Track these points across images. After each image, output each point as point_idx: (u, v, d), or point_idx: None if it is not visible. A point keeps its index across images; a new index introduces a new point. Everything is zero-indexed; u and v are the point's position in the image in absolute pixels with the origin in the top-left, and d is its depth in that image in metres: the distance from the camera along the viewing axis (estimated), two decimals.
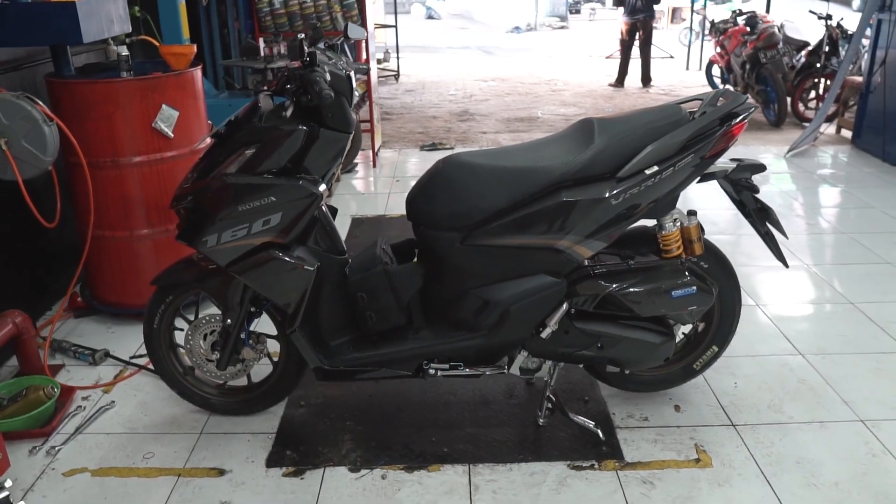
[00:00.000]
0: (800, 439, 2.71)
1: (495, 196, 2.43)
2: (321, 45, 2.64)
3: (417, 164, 6.67)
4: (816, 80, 8.03)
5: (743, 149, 6.74)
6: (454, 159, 2.50)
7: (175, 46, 3.63)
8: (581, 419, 2.69)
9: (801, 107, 8.16)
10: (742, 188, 2.65)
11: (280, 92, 2.42)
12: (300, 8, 5.99)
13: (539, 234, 2.44)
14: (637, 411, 2.88)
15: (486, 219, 2.44)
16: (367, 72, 2.90)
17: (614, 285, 2.51)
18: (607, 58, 14.12)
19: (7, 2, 3.16)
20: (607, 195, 2.40)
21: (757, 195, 2.67)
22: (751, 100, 2.57)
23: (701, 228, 2.63)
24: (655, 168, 2.42)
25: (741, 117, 2.50)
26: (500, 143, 7.08)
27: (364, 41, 6.13)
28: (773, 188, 5.78)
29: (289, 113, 2.33)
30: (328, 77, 2.29)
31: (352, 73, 2.49)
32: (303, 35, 2.52)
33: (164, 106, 3.33)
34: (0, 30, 3.12)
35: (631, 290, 2.51)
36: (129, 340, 3.50)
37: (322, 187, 2.41)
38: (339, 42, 2.72)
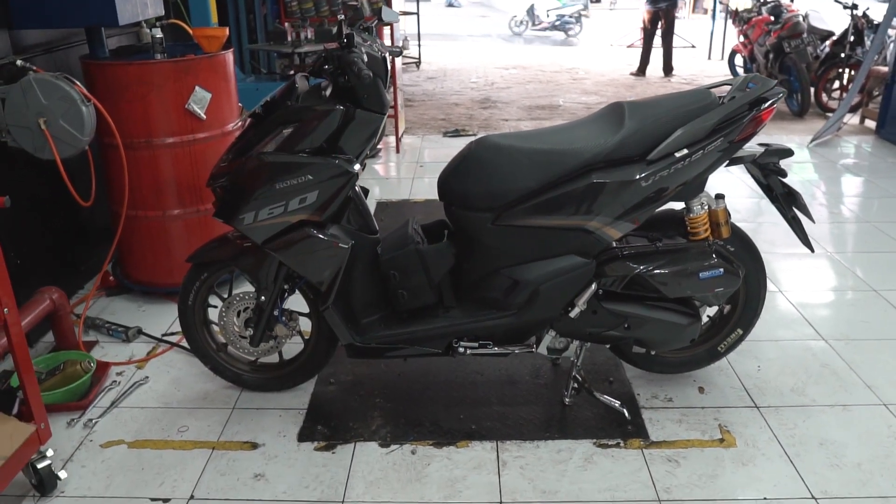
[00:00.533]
0: (823, 421, 2.74)
1: (527, 177, 2.47)
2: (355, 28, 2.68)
3: (440, 150, 6.71)
4: (840, 70, 7.98)
5: (766, 138, 6.67)
6: (486, 141, 2.54)
7: (207, 29, 3.68)
8: (607, 398, 2.73)
9: (824, 97, 8.12)
10: (770, 172, 2.68)
11: (316, 73, 2.47)
12: None
13: (569, 214, 2.48)
14: (661, 392, 2.92)
15: (517, 199, 2.48)
16: (400, 53, 2.94)
17: (642, 266, 2.55)
18: (629, 47, 14.06)
19: None
20: (637, 177, 2.43)
21: (784, 179, 2.69)
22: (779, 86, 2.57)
23: (727, 212, 2.66)
24: (685, 151, 2.45)
25: (770, 102, 2.52)
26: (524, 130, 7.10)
27: (391, 27, 6.16)
28: (797, 177, 5.77)
29: (328, 93, 2.37)
30: (365, 58, 2.33)
31: (386, 55, 2.53)
32: (342, 16, 2.55)
33: (197, 88, 3.39)
34: (38, 12, 3.19)
35: (659, 271, 2.54)
36: (160, 318, 3.58)
37: (357, 167, 2.46)
38: (373, 25, 2.76)
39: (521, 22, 17.20)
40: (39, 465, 2.39)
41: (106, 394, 2.98)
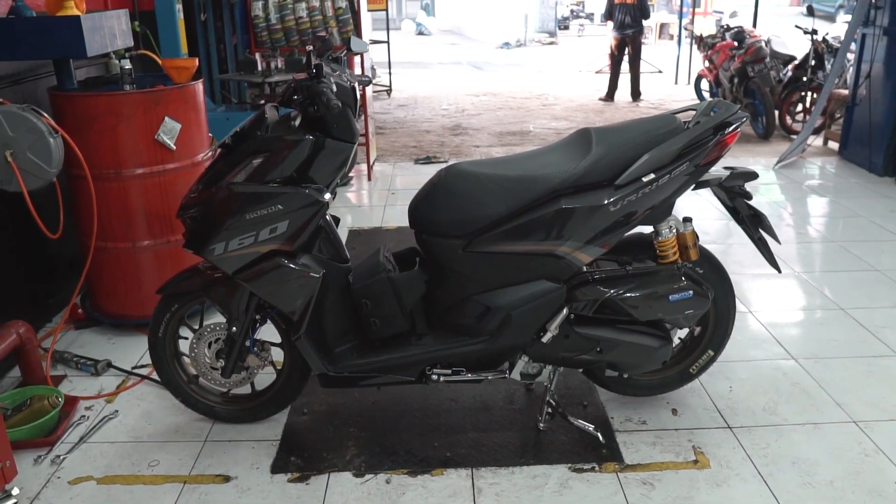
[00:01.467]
0: (795, 440, 2.76)
1: (497, 204, 2.49)
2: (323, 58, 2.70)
3: (412, 178, 6.73)
4: (803, 94, 8.16)
5: (732, 160, 6.82)
6: (456, 168, 2.56)
7: (177, 60, 3.68)
8: (581, 423, 2.74)
9: (788, 120, 8.28)
10: (735, 195, 2.72)
11: (286, 103, 2.48)
12: (296, 23, 6.06)
13: (539, 240, 2.50)
14: (635, 415, 2.93)
15: (487, 226, 2.50)
16: (369, 82, 2.96)
17: (613, 290, 2.57)
18: (597, 73, 14.26)
19: (12, 16, 3.21)
20: (606, 202, 2.46)
21: (750, 202, 2.74)
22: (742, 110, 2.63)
23: (695, 235, 2.70)
24: (652, 176, 2.48)
25: (734, 127, 2.58)
26: (493, 157, 7.15)
27: (361, 56, 6.20)
28: (764, 198, 5.87)
29: (297, 123, 2.38)
30: (334, 88, 2.35)
31: (356, 85, 2.55)
32: (310, 47, 2.57)
33: (166, 118, 3.38)
34: (5, 44, 3.17)
35: (629, 294, 2.57)
36: (130, 351, 3.53)
37: (327, 196, 2.46)
38: (342, 55, 2.78)
39: None
40: None
41: (74, 429, 2.92)
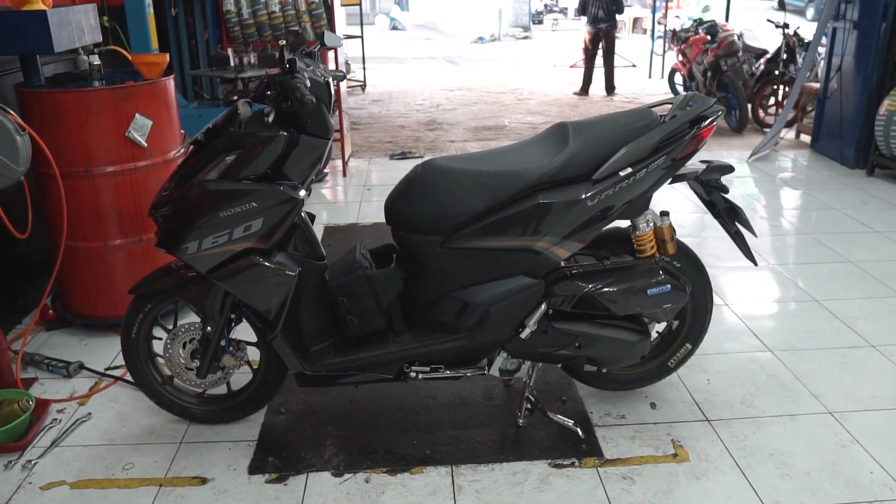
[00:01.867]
0: (772, 432, 2.78)
1: (473, 199, 2.47)
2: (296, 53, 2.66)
3: (387, 173, 6.69)
4: (775, 87, 8.24)
5: (706, 154, 6.87)
6: (432, 164, 2.53)
7: (148, 56, 3.62)
8: (560, 418, 2.73)
9: (761, 113, 8.36)
10: (712, 189, 2.73)
11: (259, 99, 2.44)
12: (269, 18, 5.99)
13: (517, 235, 2.48)
14: (614, 410, 2.93)
15: (464, 222, 2.48)
16: (343, 77, 2.93)
17: (591, 285, 2.56)
18: (571, 67, 14.29)
19: None
20: (583, 197, 2.45)
21: (726, 195, 2.75)
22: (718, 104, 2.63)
23: (672, 229, 2.70)
24: (629, 170, 2.48)
25: (710, 120, 2.58)
26: (469, 152, 7.14)
27: (335, 51, 6.15)
28: (737, 192, 5.91)
29: (270, 118, 2.34)
30: (308, 83, 2.31)
31: (330, 80, 2.52)
32: (283, 42, 2.53)
33: (137, 115, 3.32)
34: None
35: (607, 289, 2.56)
36: (102, 352, 3.47)
37: (302, 193, 2.42)
38: (315, 50, 2.74)
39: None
40: None
41: (46, 433, 2.86)
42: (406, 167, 6.69)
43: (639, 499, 2.44)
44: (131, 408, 3.03)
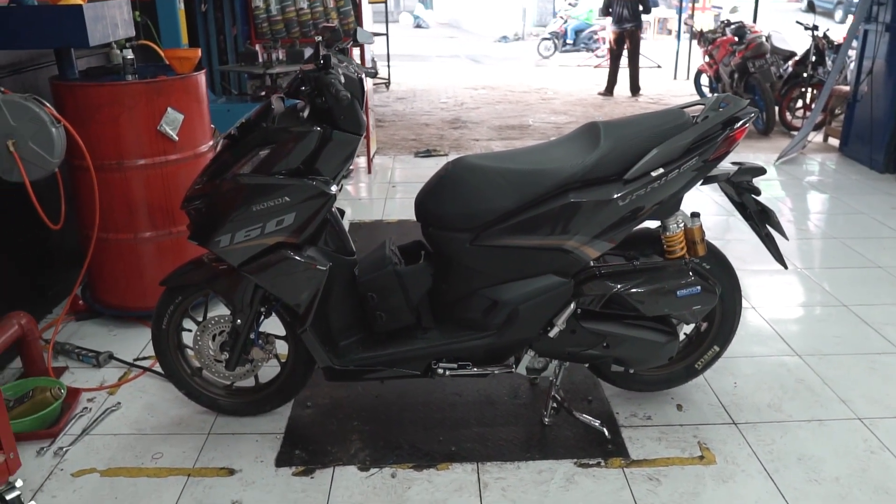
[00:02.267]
0: (800, 437, 2.76)
1: (504, 197, 2.47)
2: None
3: (412, 171, 6.71)
4: (803, 90, 8.16)
5: (733, 156, 6.82)
6: (463, 161, 2.54)
7: (180, 50, 3.66)
8: (587, 418, 2.73)
9: (788, 115, 8.28)
10: (743, 191, 2.72)
11: (292, 94, 2.46)
12: (297, 14, 6.03)
13: (547, 234, 2.48)
14: (640, 410, 2.92)
15: (495, 220, 2.48)
16: (375, 74, 2.94)
17: (620, 285, 2.56)
18: (595, 67, 14.24)
19: (14, 4, 3.18)
20: (614, 197, 2.45)
21: (758, 197, 2.73)
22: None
23: (703, 230, 2.69)
24: (661, 170, 2.47)
25: (742, 122, 2.57)
26: (494, 150, 7.14)
27: (361, 48, 6.18)
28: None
29: (305, 114, 2.36)
30: (342, 79, 2.33)
31: (363, 76, 2.53)
32: (319, 38, 2.55)
33: (169, 109, 3.36)
34: (7, 32, 3.14)
35: (636, 289, 2.56)
36: (131, 343, 3.51)
37: (335, 188, 2.44)
38: (348, 46, 2.75)
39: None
40: (8, 497, 2.33)
41: (77, 421, 2.91)
42: (430, 165, 6.74)
43: (665, 500, 2.44)
44: (160, 398, 3.06)
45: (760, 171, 2.69)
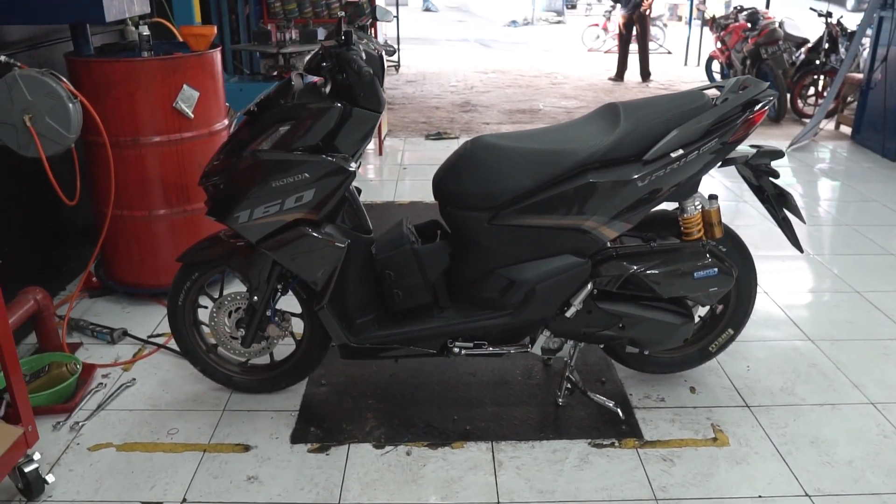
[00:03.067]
0: (813, 420, 2.77)
1: (523, 177, 2.47)
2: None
3: (423, 153, 6.70)
4: (815, 77, 8.11)
5: (748, 141, 6.80)
6: (482, 140, 2.53)
7: (196, 28, 3.65)
8: (601, 398, 2.73)
9: (799, 103, 8.24)
10: (762, 173, 2.71)
11: (313, 70, 2.45)
12: None
13: (565, 214, 2.48)
14: (653, 392, 2.93)
15: (513, 199, 2.48)
16: (394, 52, 2.94)
17: (637, 266, 2.56)
18: (606, 52, 14.17)
19: None
20: (634, 177, 2.44)
21: (776, 181, 2.72)
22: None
23: (720, 213, 2.68)
24: (680, 152, 2.46)
25: (762, 105, 2.56)
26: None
27: (374, 29, 6.15)
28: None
29: (327, 90, 2.36)
30: (364, 56, 2.32)
31: (382, 53, 2.52)
32: (342, 13, 2.54)
33: (185, 86, 3.35)
34: (23, 7, 3.14)
35: (653, 271, 2.56)
36: (145, 320, 3.52)
37: (354, 165, 2.44)
38: (367, 24, 2.74)
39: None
40: (26, 469, 2.34)
41: (92, 396, 2.93)
42: (441, 147, 6.72)
43: (679, 480, 2.44)
44: (174, 375, 3.08)
45: (779, 154, 2.68)
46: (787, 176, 6.07)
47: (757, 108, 2.55)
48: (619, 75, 11.00)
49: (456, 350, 2.67)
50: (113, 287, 3.73)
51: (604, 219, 2.49)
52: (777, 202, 2.74)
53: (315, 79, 2.50)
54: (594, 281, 2.58)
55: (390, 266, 2.59)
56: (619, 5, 10.97)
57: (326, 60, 2.37)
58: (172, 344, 3.11)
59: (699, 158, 2.51)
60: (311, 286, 2.56)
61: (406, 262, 2.57)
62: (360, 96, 2.40)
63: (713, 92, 2.63)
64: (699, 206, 2.63)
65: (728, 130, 2.52)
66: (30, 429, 2.36)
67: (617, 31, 11.11)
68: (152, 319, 3.52)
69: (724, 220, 2.72)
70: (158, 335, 3.37)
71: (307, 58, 2.58)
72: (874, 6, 6.60)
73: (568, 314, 2.59)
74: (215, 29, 3.59)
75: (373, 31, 6.28)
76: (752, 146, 2.71)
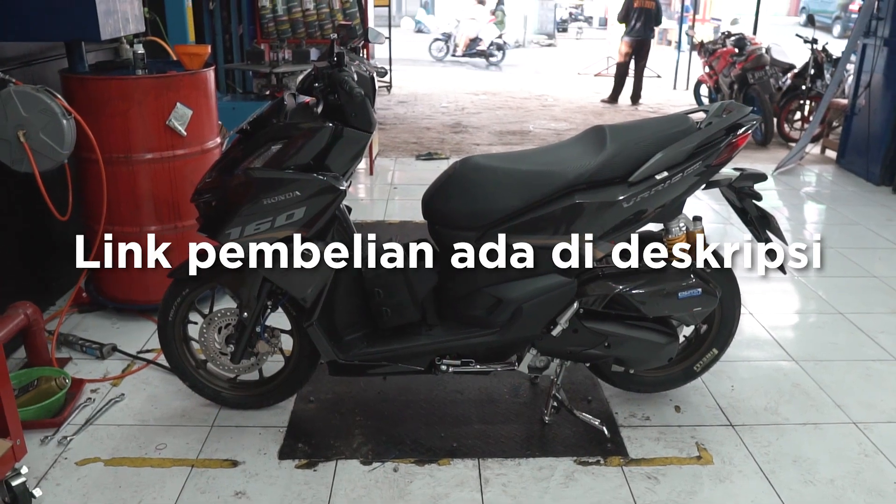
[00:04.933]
0: (796, 439, 2.80)
1: (511, 197, 2.51)
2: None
3: (413, 173, 6.74)
4: (801, 102, 8.22)
5: (732, 164, 6.87)
6: (471, 161, 2.58)
7: (190, 46, 3.70)
8: (587, 417, 2.76)
9: (786, 127, 8.35)
10: (745, 196, 2.76)
11: (305, 90, 2.49)
12: (303, 15, 6.08)
13: (552, 234, 2.52)
14: (639, 411, 2.96)
15: (501, 219, 2.52)
16: (385, 73, 2.98)
17: (623, 286, 2.60)
18: (596, 76, 14.30)
19: None
20: (619, 199, 2.49)
21: (759, 203, 2.78)
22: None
23: (704, 233, 2.73)
24: (665, 174, 2.51)
25: (745, 128, 2.62)
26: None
27: (367, 51, 6.22)
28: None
29: (319, 110, 2.40)
30: (356, 77, 2.36)
31: (374, 75, 2.57)
32: (335, 35, 2.59)
33: (178, 104, 3.39)
34: (18, 24, 3.17)
35: (638, 290, 2.60)
36: (134, 336, 3.53)
37: (345, 184, 2.48)
38: (359, 45, 2.79)
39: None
40: (14, 483, 2.33)
41: (81, 411, 2.93)
42: (432, 168, 6.77)
43: (663, 498, 2.47)
44: (163, 390, 3.09)
45: (762, 177, 2.74)
46: (773, 199, 6.15)
47: (740, 131, 2.61)
48: (614, 98, 11.09)
49: (443, 368, 2.70)
50: (103, 303, 3.74)
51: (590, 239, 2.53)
52: (760, 224, 2.80)
53: (307, 99, 2.55)
54: (580, 300, 2.62)
55: (379, 284, 2.62)
56: (623, 29, 11.03)
57: (319, 81, 2.42)
58: (162, 359, 3.13)
59: (683, 181, 2.56)
60: (300, 303, 2.58)
61: (395, 280, 2.61)
62: (351, 116, 2.44)
63: (698, 115, 2.68)
64: (683, 228, 2.67)
65: (712, 153, 2.57)
66: (18, 442, 2.36)
67: (619, 58, 11.16)
68: (142, 335, 3.53)
69: (711, 240, 2.77)
70: (148, 351, 3.38)
71: (300, 78, 2.62)
72: (857, 34, 6.73)
73: (554, 333, 2.62)
74: (209, 48, 3.63)
75: (365, 53, 6.36)
76: (735, 169, 2.76)
